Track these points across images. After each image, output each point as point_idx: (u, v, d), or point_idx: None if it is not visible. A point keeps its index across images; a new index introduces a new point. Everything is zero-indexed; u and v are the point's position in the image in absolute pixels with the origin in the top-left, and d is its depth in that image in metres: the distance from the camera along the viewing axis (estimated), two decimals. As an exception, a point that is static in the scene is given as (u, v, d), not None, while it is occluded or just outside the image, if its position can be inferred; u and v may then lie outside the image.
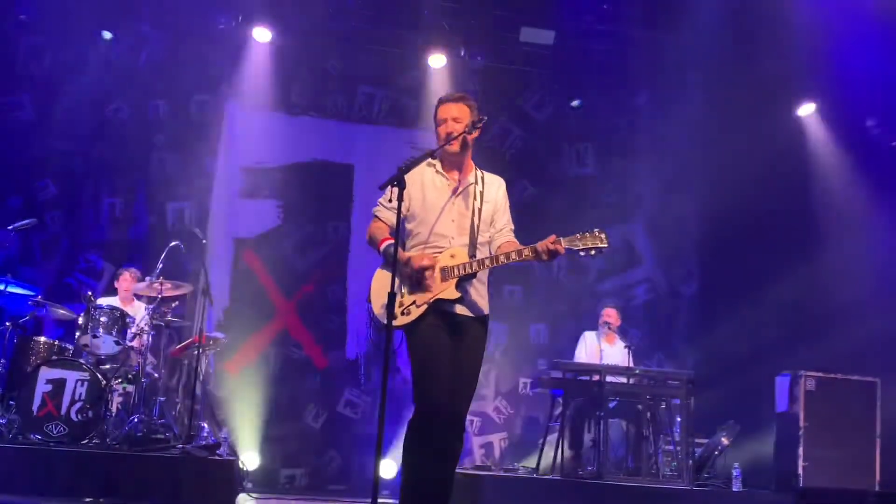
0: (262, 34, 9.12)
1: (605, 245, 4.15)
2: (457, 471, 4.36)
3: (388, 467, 8.21)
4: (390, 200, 4.35)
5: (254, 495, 7.29)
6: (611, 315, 8.33)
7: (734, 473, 7.32)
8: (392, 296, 3.94)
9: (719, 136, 9.53)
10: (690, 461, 7.31)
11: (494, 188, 4.50)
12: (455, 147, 4.34)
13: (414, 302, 4.21)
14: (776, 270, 8.93)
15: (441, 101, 4.45)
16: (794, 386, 7.45)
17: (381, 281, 4.30)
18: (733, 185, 9.31)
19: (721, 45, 8.77)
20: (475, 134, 4.39)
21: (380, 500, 3.89)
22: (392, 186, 4.06)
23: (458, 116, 4.36)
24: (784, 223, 9.08)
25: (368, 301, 4.34)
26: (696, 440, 7.64)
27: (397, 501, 4.17)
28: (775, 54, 8.87)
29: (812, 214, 9.06)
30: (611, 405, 7.46)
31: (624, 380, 7.49)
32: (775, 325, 8.67)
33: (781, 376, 7.63)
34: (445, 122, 4.37)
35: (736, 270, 9.31)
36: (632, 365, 7.66)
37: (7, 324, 7.09)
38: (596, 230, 4.17)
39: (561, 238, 4.13)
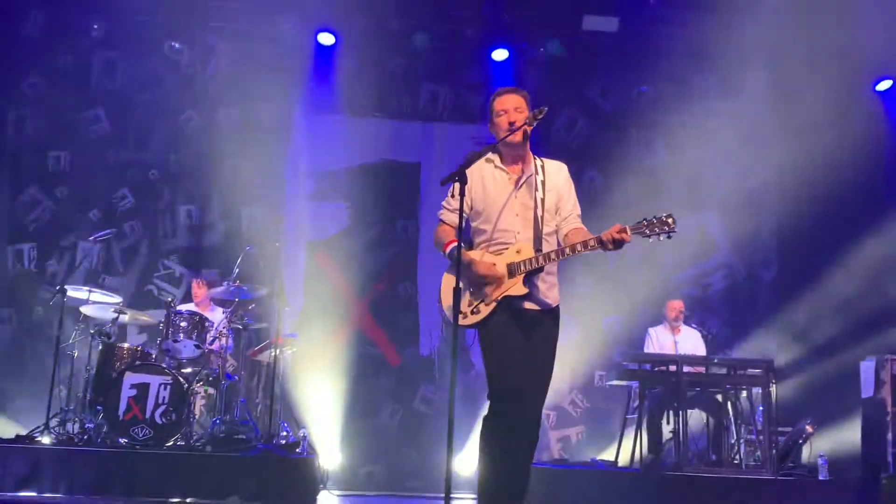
0: (326, 38, 9.24)
1: (674, 229, 4.06)
2: (535, 465, 4.35)
3: (466, 463, 8.23)
4: (453, 196, 4.35)
5: (335, 492, 7.40)
6: (676, 307, 8.19)
7: (820, 462, 7.12)
8: (457, 293, 3.94)
9: (793, 116, 9.29)
10: (774, 450, 7.14)
11: (555, 175, 4.43)
12: (519, 137, 4.29)
13: (483, 300, 4.20)
14: (857, 250, 8.67)
15: (498, 93, 4.42)
16: (880, 370, 7.22)
17: (448, 283, 4.28)
18: (809, 165, 9.07)
19: (790, 22, 8.54)
20: (533, 125, 4.34)
21: (459, 496, 3.90)
22: (454, 182, 4.07)
23: (519, 106, 4.33)
24: (863, 202, 8.78)
25: (438, 303, 4.35)
26: (780, 429, 7.46)
27: (476, 496, 4.18)
28: (848, 28, 8.60)
29: (892, 193, 8.76)
30: (689, 395, 7.33)
31: (702, 369, 7.36)
32: (858, 308, 8.40)
33: (866, 361, 7.40)
34: (507, 112, 4.33)
35: (815, 252, 9.06)
36: (707, 353, 7.52)
37: (92, 332, 7.34)
38: (663, 214, 4.08)
39: (627, 226, 4.07)
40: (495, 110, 4.40)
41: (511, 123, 4.29)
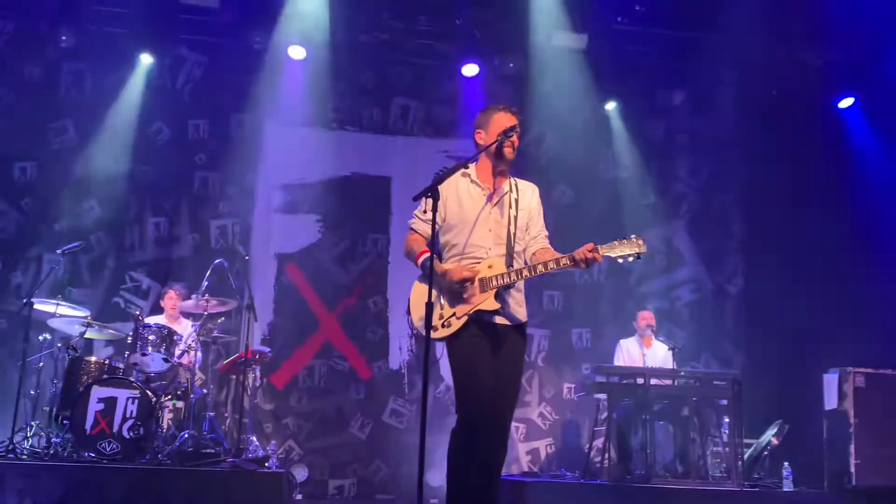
0: (297, 51, 9.23)
1: (644, 251, 4.16)
2: (504, 477, 4.37)
3: (437, 476, 8.23)
4: (425, 212, 4.37)
5: (303, 507, 7.38)
6: (647, 317, 8.29)
7: (785, 473, 7.24)
8: (430, 307, 3.96)
9: (759, 131, 9.45)
10: (739, 462, 7.23)
11: (529, 195, 4.50)
12: (511, 154, 4.35)
13: (454, 314, 4.23)
14: (822, 265, 8.81)
15: (498, 108, 4.45)
16: (843, 383, 7.33)
17: (419, 293, 4.30)
18: (774, 180, 9.24)
19: (757, 39, 8.69)
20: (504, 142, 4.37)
21: (427, 509, 3.92)
22: (426, 198, 4.09)
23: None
24: (828, 218, 8.95)
25: (408, 313, 4.37)
26: (745, 440, 7.56)
27: (444, 510, 4.20)
28: (813, 48, 8.78)
29: (856, 208, 8.92)
30: (656, 408, 7.41)
31: (669, 382, 7.44)
32: (822, 322, 8.53)
33: (829, 373, 7.51)
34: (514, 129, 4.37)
35: (781, 266, 9.20)
36: (675, 367, 7.61)
37: (59, 345, 7.26)
38: (633, 236, 4.18)
39: (598, 245, 4.14)
40: (496, 123, 4.40)
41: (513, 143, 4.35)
